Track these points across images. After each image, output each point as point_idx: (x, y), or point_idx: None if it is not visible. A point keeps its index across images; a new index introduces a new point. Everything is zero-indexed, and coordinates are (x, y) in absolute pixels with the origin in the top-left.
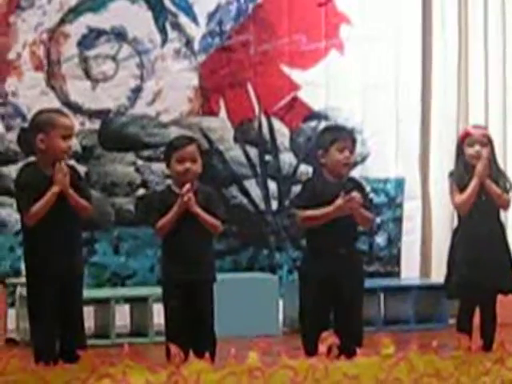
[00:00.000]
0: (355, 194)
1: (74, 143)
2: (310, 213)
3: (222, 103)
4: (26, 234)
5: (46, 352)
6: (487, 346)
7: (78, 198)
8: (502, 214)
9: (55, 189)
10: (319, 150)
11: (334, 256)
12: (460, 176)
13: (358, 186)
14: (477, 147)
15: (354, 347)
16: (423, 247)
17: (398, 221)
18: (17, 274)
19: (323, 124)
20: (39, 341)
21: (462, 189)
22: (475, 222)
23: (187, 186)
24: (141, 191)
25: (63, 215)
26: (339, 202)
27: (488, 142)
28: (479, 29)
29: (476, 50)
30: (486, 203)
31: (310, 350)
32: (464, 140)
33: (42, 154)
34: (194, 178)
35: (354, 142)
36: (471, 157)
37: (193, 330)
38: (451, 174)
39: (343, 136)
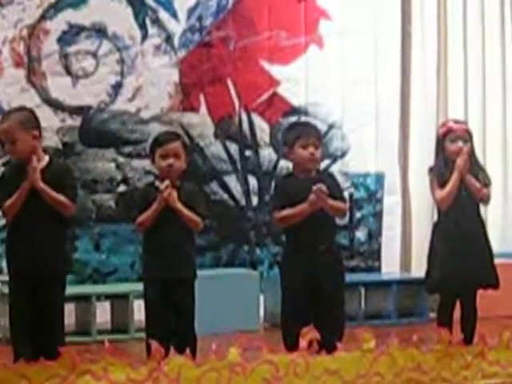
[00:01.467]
0: (319, 185)
1: (55, 140)
2: (285, 212)
3: (202, 99)
4: (7, 232)
5: (23, 350)
6: (468, 340)
7: (54, 194)
8: (482, 209)
9: (25, 184)
10: (285, 147)
11: (313, 252)
12: (440, 172)
13: (327, 177)
14: (459, 143)
15: (334, 342)
16: (403, 242)
17: (379, 215)
18: None
19: (303, 119)
20: (17, 339)
21: (442, 184)
22: (455, 216)
23: (166, 182)
24: (121, 188)
25: (39, 214)
26: (312, 197)
27: (469, 137)
28: (458, 21)
29: (455, 44)
30: (466, 198)
31: (290, 346)
32: (446, 136)
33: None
34: (178, 174)
35: (318, 137)
36: (453, 153)
37: (173, 327)
38: (431, 170)
39: (306, 132)
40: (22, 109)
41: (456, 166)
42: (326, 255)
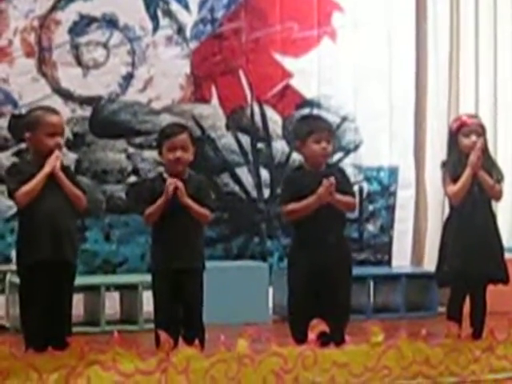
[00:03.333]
0: (329, 179)
1: (65, 131)
2: (292, 206)
3: (213, 90)
4: (19, 221)
5: (35, 338)
6: (477, 335)
7: (71, 185)
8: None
9: (46, 168)
10: (296, 141)
11: (321, 246)
12: (453, 166)
13: (337, 171)
14: (473, 137)
15: (341, 335)
16: (416, 236)
17: (391, 209)
18: (7, 260)
19: (316, 112)
20: (29, 327)
21: (455, 179)
22: (467, 212)
23: (171, 180)
24: (132, 178)
25: (54, 203)
26: (320, 190)
27: (482, 131)
28: (471, 16)
29: (468, 37)
30: (478, 194)
31: (298, 339)
32: (459, 130)
33: (32, 153)
34: (185, 167)
35: (331, 131)
36: (467, 147)
37: (182, 318)
38: (444, 165)
39: (320, 126)
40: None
41: (469, 161)
42: (334, 249)
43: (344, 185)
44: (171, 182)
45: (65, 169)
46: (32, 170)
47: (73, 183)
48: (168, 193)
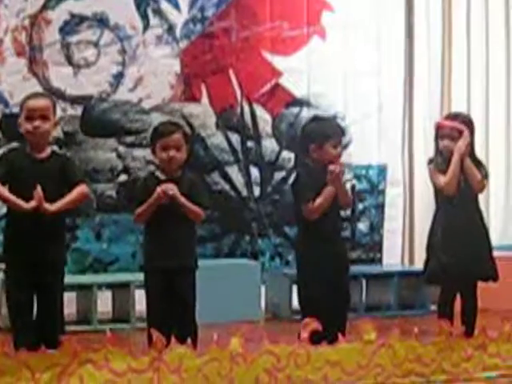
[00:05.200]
0: (336, 166)
1: (56, 130)
2: (319, 201)
3: (203, 89)
4: (6, 221)
5: (23, 339)
6: (469, 332)
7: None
8: (485, 202)
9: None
10: (311, 144)
11: (336, 241)
12: (440, 161)
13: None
14: (445, 141)
15: (337, 334)
16: (405, 234)
17: (381, 207)
18: None
19: (305, 110)
20: (17, 327)
21: (443, 172)
22: (454, 209)
23: (164, 187)
24: (122, 177)
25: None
26: (329, 177)
27: (459, 134)
28: (462, 15)
29: (459, 36)
30: (464, 190)
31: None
32: (437, 132)
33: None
34: (179, 166)
35: (343, 135)
36: (443, 149)
37: (174, 316)
38: (430, 161)
39: (337, 132)
40: (49, 96)
41: (456, 148)
42: (344, 244)
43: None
44: (162, 190)
45: (66, 163)
46: (26, 163)
47: (72, 178)
48: (162, 198)
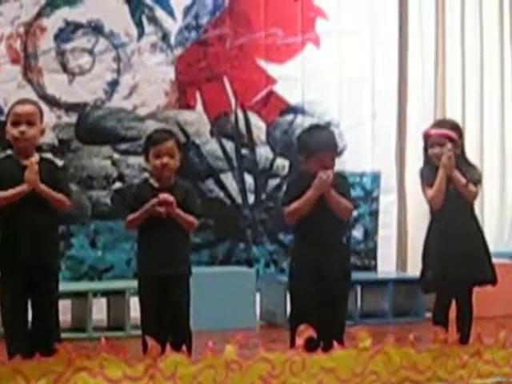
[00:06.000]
0: (325, 172)
1: (51, 137)
2: (293, 205)
3: (198, 97)
4: (1, 227)
5: (17, 346)
6: (464, 339)
7: (52, 193)
8: (479, 209)
9: (25, 187)
10: (301, 154)
11: (326, 248)
12: (428, 174)
13: (338, 176)
14: (436, 149)
15: (333, 341)
16: (399, 241)
17: (375, 214)
18: None
19: (300, 118)
20: (10, 336)
21: (431, 185)
22: (446, 216)
23: (161, 197)
24: (117, 184)
25: (34, 210)
26: (316, 181)
27: (449, 140)
28: (456, 22)
29: (453, 44)
30: (455, 199)
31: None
32: (426, 141)
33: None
34: (172, 173)
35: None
36: (433, 157)
37: (169, 324)
38: (421, 173)
39: (328, 146)
40: (36, 102)
41: (441, 163)
42: (334, 252)
43: (342, 188)
44: (163, 199)
45: (54, 170)
46: (16, 171)
47: (55, 183)
48: (156, 209)
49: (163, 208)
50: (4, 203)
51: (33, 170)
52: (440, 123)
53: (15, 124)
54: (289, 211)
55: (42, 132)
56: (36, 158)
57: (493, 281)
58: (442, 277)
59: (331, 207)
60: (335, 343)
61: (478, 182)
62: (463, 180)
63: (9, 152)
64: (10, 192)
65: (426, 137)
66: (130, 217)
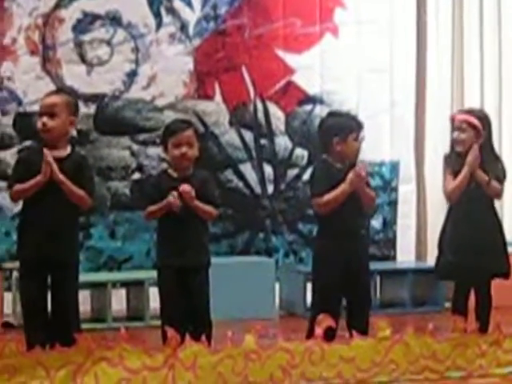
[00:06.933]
0: (361, 165)
1: None
2: (326, 197)
3: (216, 87)
4: (19, 220)
5: (35, 337)
6: (483, 329)
7: (72, 186)
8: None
9: (40, 178)
10: (335, 137)
11: (355, 237)
12: (452, 161)
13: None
14: (455, 133)
15: (363, 323)
16: (418, 230)
17: (394, 204)
18: (13, 258)
19: (318, 108)
20: (29, 327)
21: (451, 173)
22: (464, 207)
23: (180, 188)
24: (136, 175)
25: (53, 202)
26: (351, 176)
27: (469, 127)
28: (474, 10)
29: (471, 31)
30: (475, 189)
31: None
32: (452, 125)
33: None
34: (191, 163)
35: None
36: (453, 142)
37: (189, 314)
38: (445, 159)
39: (359, 125)
40: (69, 93)
41: (467, 161)
42: (365, 241)
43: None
44: (172, 200)
45: (83, 166)
46: (36, 156)
47: (79, 178)
48: (174, 206)
49: (182, 200)
50: (23, 195)
51: (47, 161)
52: (468, 110)
53: (39, 116)
54: (321, 203)
55: (71, 123)
56: (66, 150)
57: (507, 274)
58: (457, 265)
59: (360, 199)
60: (355, 333)
61: (502, 178)
62: (486, 177)
63: (28, 143)
64: (28, 184)
65: (452, 121)
66: (150, 209)
